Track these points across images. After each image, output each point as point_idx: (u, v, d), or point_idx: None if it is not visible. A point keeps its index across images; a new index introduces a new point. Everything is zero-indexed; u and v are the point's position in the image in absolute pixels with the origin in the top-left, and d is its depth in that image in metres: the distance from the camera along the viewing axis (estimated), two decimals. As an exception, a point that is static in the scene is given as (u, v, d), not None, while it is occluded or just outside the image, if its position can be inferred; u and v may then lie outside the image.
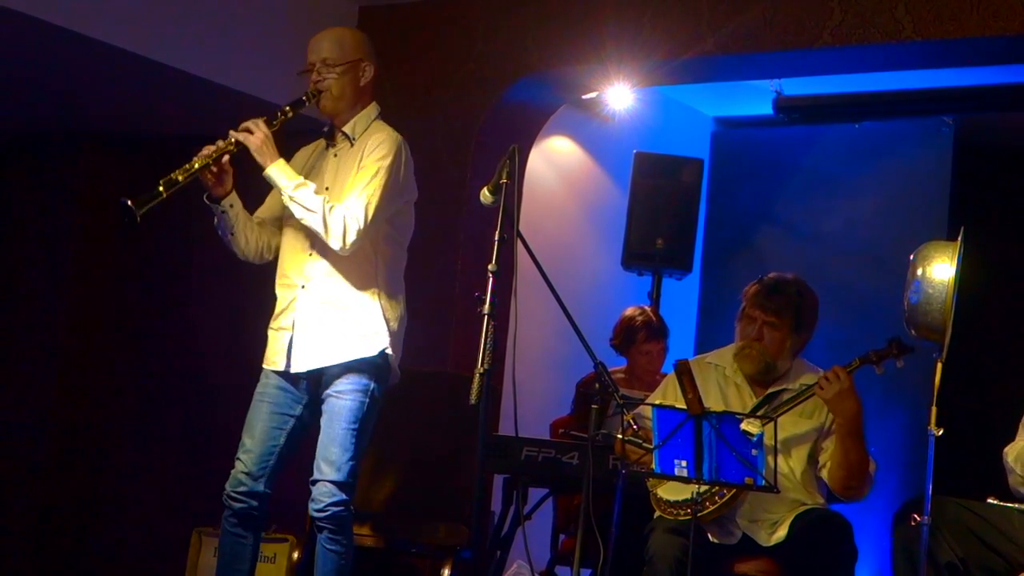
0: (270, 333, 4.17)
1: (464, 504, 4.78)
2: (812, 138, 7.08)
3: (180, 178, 3.90)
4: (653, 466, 3.71)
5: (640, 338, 5.37)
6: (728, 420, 3.68)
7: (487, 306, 3.57)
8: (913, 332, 3.93)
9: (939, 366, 3.86)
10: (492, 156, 4.66)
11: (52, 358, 6.87)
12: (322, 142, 4.23)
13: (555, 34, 5.85)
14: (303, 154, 4.28)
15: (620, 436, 3.94)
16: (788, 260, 5.50)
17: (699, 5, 5.52)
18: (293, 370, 4.07)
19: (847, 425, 4.03)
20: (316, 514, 4.00)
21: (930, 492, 3.76)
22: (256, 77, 5.78)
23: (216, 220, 4.12)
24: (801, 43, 5.33)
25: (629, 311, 5.50)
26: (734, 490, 3.89)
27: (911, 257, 3.95)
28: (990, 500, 3.92)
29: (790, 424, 4.10)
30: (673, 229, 6.15)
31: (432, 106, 6.12)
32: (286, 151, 4.13)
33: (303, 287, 4.08)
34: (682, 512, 3.96)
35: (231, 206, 4.07)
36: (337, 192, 4.04)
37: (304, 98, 4.10)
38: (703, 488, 3.75)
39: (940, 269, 3.87)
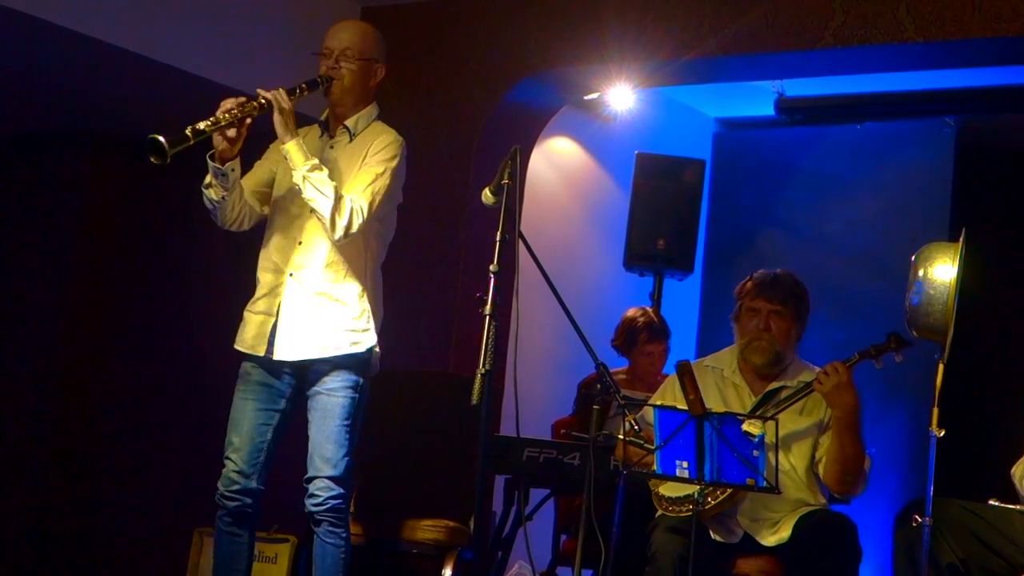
0: (247, 315, 4.16)
1: (466, 505, 4.78)
2: (814, 139, 7.08)
3: (206, 128, 3.83)
4: (655, 467, 3.71)
5: (642, 339, 5.37)
6: (729, 421, 3.69)
7: (489, 307, 3.58)
8: (915, 333, 3.93)
9: (940, 367, 3.86)
10: (494, 157, 4.67)
11: (52, 357, 6.86)
12: (312, 131, 4.21)
13: (557, 35, 5.84)
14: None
15: (622, 437, 3.94)
16: (789, 261, 5.49)
17: (701, 6, 5.52)
18: (276, 357, 4.06)
19: (844, 419, 4.03)
20: (314, 508, 4.01)
21: (931, 493, 3.75)
22: (257, 77, 5.76)
23: (209, 180, 4.02)
24: (803, 44, 5.33)
25: (631, 312, 5.50)
26: (735, 487, 3.90)
27: (912, 258, 3.95)
28: (991, 501, 3.91)
29: (790, 421, 4.10)
30: (674, 230, 6.15)
31: (434, 106, 6.11)
32: (255, 149, 4.10)
33: (292, 275, 4.07)
34: (683, 508, 3.97)
35: (232, 170, 4.01)
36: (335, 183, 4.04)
37: (318, 79, 4.10)
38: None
39: (942, 270, 3.87)
